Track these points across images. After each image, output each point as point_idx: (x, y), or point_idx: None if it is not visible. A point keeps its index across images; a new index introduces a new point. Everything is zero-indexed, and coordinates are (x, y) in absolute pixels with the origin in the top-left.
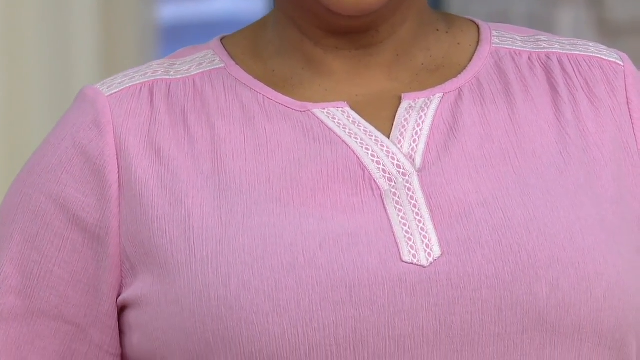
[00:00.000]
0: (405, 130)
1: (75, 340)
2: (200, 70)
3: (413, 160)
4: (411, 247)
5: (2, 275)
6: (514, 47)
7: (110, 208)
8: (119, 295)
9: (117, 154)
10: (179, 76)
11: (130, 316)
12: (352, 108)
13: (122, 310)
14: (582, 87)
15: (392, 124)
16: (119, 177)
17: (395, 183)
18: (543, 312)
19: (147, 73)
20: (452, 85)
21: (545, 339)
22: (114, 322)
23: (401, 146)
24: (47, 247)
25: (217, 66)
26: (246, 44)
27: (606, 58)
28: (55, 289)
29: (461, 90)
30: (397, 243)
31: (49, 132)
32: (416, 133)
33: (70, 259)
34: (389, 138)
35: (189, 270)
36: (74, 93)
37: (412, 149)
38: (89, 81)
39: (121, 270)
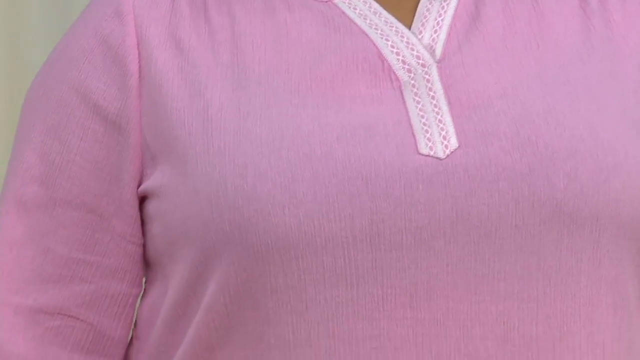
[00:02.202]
0: (426, 20)
1: (98, 229)
2: None
3: (433, 51)
4: (428, 139)
5: (25, 165)
6: None
7: (131, 98)
8: (139, 185)
9: (138, 44)
10: None
11: (151, 206)
12: None
13: (142, 200)
14: None
15: (415, 15)
16: (139, 68)
17: (414, 74)
18: (561, 203)
19: None
20: None
21: (563, 229)
22: (135, 211)
23: (422, 37)
24: (69, 137)
25: None
26: None
27: None
28: (77, 178)
29: None
30: (414, 135)
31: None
32: (438, 23)
33: (92, 149)
34: (410, 29)
35: (207, 161)
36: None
37: (433, 40)
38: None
39: (142, 160)
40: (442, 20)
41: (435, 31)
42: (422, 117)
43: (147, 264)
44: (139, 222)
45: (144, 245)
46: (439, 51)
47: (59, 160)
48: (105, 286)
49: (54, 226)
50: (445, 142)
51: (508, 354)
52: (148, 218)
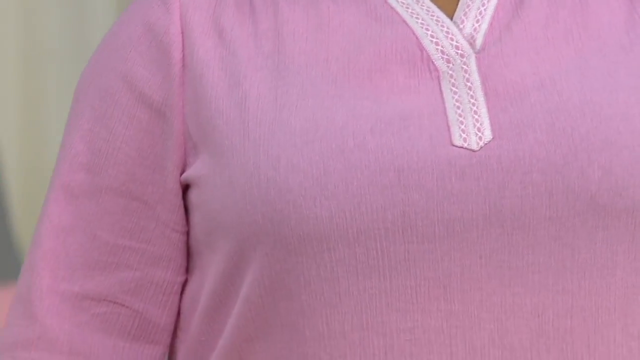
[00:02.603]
0: (469, 10)
1: (143, 217)
2: None
3: (474, 41)
4: (462, 130)
5: (73, 152)
6: None
7: (174, 86)
8: (182, 174)
9: (182, 32)
10: None
11: (192, 195)
12: None
13: (186, 188)
14: None
15: (458, 4)
16: (183, 56)
17: (453, 65)
18: (595, 195)
19: None
20: None
21: (597, 222)
22: (179, 200)
23: (463, 26)
24: (116, 125)
25: None
26: None
27: None
28: (122, 166)
29: None
30: (448, 126)
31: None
32: (480, 13)
33: (137, 137)
34: (452, 18)
35: (242, 152)
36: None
37: (475, 30)
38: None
39: (185, 148)
40: (485, 9)
41: (477, 21)
42: (458, 108)
43: (188, 252)
44: (182, 210)
45: (188, 234)
46: (479, 41)
47: (106, 148)
48: (150, 273)
49: (100, 213)
50: (480, 134)
51: (542, 347)
52: (190, 206)
